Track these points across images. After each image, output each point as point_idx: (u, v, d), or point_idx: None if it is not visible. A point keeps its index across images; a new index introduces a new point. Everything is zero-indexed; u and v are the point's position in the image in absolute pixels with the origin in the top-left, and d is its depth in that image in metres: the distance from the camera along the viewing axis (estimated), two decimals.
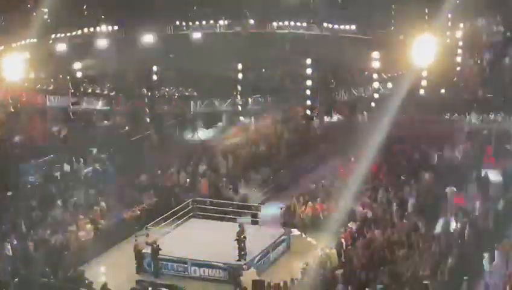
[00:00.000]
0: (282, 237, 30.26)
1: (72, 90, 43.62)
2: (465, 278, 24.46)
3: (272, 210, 32.96)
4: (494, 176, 33.29)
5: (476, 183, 33.08)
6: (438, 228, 29.01)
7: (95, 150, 38.95)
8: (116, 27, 52.60)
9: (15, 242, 28.78)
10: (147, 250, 28.78)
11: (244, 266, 27.41)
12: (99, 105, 46.16)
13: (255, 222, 31.97)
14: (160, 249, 28.27)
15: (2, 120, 42.59)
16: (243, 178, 35.69)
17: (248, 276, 26.65)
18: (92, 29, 52.25)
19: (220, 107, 45.33)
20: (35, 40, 46.75)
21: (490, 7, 44.03)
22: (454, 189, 31.96)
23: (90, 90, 46.57)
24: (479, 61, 48.84)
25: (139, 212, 32.76)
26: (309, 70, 42.02)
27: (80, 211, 31.56)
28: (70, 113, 43.21)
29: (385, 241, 27.37)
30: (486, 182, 32.41)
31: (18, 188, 33.48)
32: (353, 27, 52.03)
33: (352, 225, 29.63)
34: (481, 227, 28.44)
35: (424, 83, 41.98)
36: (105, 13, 54.13)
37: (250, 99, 42.61)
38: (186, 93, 46.39)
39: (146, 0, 51.48)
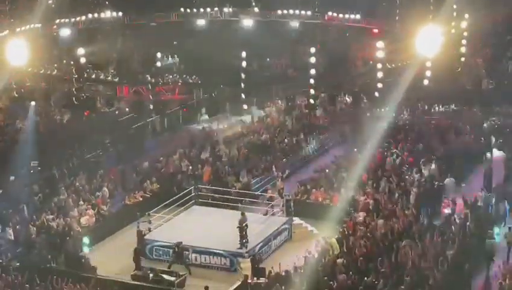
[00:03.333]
0: (284, 226, 30.26)
1: (76, 76, 43.61)
2: (466, 268, 24.48)
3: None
4: (497, 167, 33.10)
5: (478, 174, 33.04)
6: (440, 219, 29.00)
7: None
8: (120, 13, 52.51)
9: (17, 227, 28.83)
10: (149, 236, 28.83)
11: (245, 254, 27.46)
12: (103, 91, 46.20)
13: (257, 210, 31.85)
14: (185, 249, 27.71)
15: (5, 105, 42.65)
16: (245, 166, 35.59)
17: (248, 264, 26.72)
18: (96, 15, 52.19)
19: (224, 95, 45.36)
20: (39, 25, 46.65)
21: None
22: (456, 180, 31.93)
23: (93, 76, 46.60)
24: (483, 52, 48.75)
25: (141, 198, 32.82)
26: (313, 59, 41.95)
27: (82, 197, 31.59)
28: (74, 99, 43.22)
29: (387, 231, 27.33)
30: (489, 173, 32.27)
31: (20, 172, 33.47)
32: (358, 16, 51.93)
33: (354, 214, 29.61)
34: (483, 218, 28.40)
35: (428, 73, 41.95)
36: None
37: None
38: (190, 81, 46.38)
39: None
